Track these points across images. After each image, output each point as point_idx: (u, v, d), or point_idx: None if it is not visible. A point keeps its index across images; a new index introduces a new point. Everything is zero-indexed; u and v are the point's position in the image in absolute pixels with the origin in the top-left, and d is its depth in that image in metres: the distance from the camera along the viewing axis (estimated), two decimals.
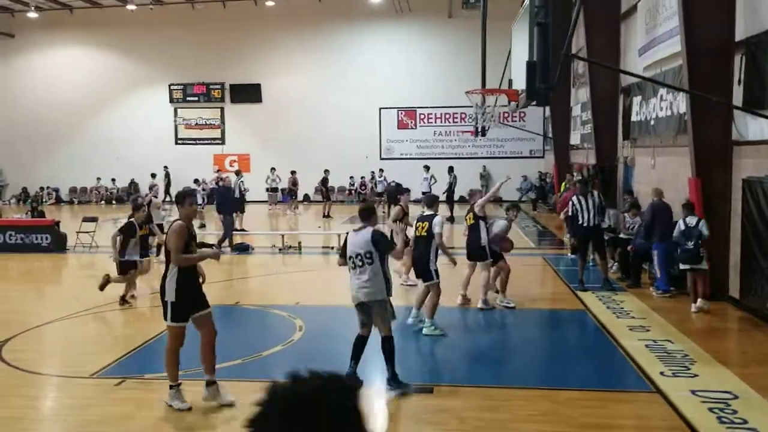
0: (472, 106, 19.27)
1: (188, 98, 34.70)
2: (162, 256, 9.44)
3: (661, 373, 7.64)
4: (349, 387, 1.58)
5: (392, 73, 32.88)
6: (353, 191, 33.60)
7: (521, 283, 12.24)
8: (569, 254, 15.99)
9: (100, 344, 9.25)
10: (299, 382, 1.55)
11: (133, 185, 34.39)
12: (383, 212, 24.90)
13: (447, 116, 33.09)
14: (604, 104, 18.34)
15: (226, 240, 17.15)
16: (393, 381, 7.14)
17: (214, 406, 6.74)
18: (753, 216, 10.10)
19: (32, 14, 32.98)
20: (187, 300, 6.66)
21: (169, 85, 34.60)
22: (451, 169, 26.74)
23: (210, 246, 9.48)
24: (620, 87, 17.61)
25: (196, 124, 34.98)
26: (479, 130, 23.28)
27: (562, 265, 14.85)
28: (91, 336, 9.88)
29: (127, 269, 11.43)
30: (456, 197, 24.78)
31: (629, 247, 12.67)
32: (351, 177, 33.50)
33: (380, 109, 33.33)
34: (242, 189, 21.91)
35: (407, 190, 13.63)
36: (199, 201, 22.30)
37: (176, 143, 35.09)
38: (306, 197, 32.43)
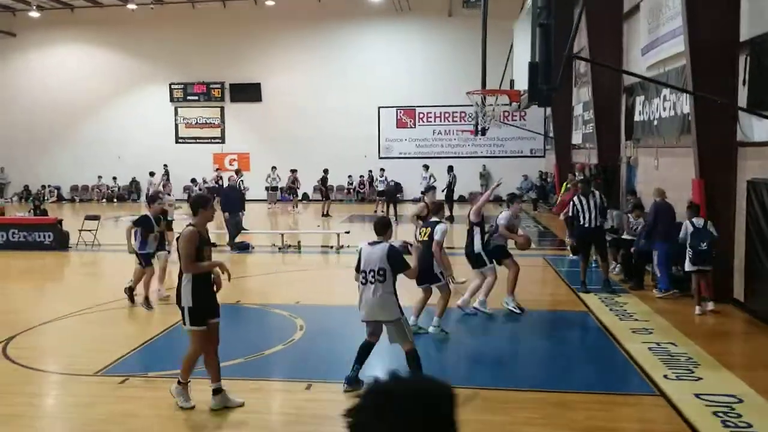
0: (472, 105, 19.26)
1: (188, 97, 34.70)
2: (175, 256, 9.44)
3: (665, 376, 7.62)
4: (448, 394, 1.58)
5: (391, 72, 32.86)
6: (352, 190, 33.59)
7: (522, 284, 12.13)
8: (570, 255, 16.03)
9: (104, 342, 9.24)
10: (400, 382, 1.55)
11: (134, 183, 34.40)
12: (382, 211, 24.92)
13: (446, 115, 33.06)
14: (606, 104, 18.34)
15: (235, 239, 17.26)
16: None
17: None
18: (758, 218, 10.08)
19: (33, 13, 32.97)
20: (204, 303, 6.61)
21: (170, 84, 34.59)
22: (450, 169, 26.75)
23: (214, 245, 9.45)
24: (623, 86, 17.60)
25: (197, 123, 34.97)
26: (479, 129, 23.27)
27: (564, 266, 14.84)
28: (94, 334, 9.87)
29: (147, 262, 11.22)
30: (455, 196, 24.76)
31: (632, 249, 12.64)
32: (350, 176, 33.48)
33: (379, 108, 33.30)
34: (242, 188, 21.91)
35: (432, 188, 13.01)
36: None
37: (177, 142, 35.08)
38: (305, 196, 32.42)
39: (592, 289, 12.06)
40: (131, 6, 31.82)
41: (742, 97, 10.44)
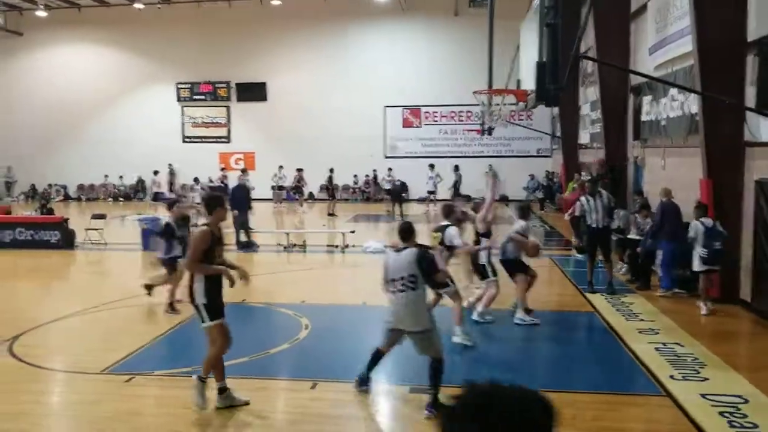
0: (478, 105, 19.22)
1: (195, 97, 34.75)
2: None
3: (671, 377, 7.60)
4: (547, 408, 1.54)
5: (397, 71, 32.82)
6: (357, 190, 33.59)
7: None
8: (575, 255, 16.01)
9: (110, 340, 9.26)
10: (499, 390, 1.54)
11: (141, 183, 34.47)
12: (387, 211, 24.91)
13: (452, 114, 33.00)
14: (613, 103, 18.27)
15: (250, 236, 17.39)
16: (435, 407, 6.45)
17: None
18: (765, 218, 10.05)
19: (41, 12, 33.06)
20: (216, 299, 6.58)
21: (176, 84, 34.65)
22: (456, 168, 26.76)
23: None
24: (630, 86, 17.54)
25: (203, 122, 35.03)
26: (486, 129, 23.23)
27: (570, 267, 14.81)
28: (101, 332, 9.89)
29: (173, 268, 11.08)
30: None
31: (638, 249, 12.60)
32: (355, 175, 33.48)
33: (385, 107, 33.27)
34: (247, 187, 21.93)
35: (467, 197, 12.42)
36: (198, 200, 22.33)
37: (183, 141, 35.13)
38: (311, 195, 32.43)
39: (599, 289, 12.02)
40: (138, 5, 31.93)
41: (750, 97, 10.41)
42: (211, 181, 30.73)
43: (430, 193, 26.57)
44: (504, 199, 25.49)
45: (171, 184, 32.37)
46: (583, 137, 23.92)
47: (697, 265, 10.60)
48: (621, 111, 18.01)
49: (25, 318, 10.47)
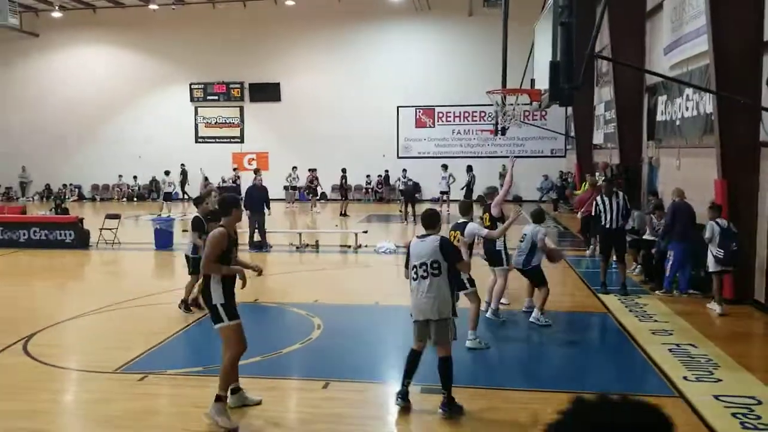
0: (491, 105, 19.17)
1: (208, 97, 34.86)
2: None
3: (684, 378, 7.56)
4: (666, 424, 1.41)
5: (411, 71, 32.79)
6: (370, 190, 33.60)
7: None
8: (586, 253, 16.01)
9: (123, 340, 9.30)
10: (610, 406, 1.38)
11: (155, 183, 34.62)
12: (400, 212, 24.88)
13: (466, 115, 32.94)
14: (628, 103, 18.19)
15: (264, 236, 17.42)
16: (448, 406, 6.49)
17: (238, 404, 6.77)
18: None
19: (56, 14, 33.33)
20: (232, 300, 6.48)
21: (190, 84, 34.79)
22: (469, 168, 26.69)
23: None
24: (645, 86, 17.46)
25: (216, 122, 35.15)
26: (499, 129, 23.17)
27: (583, 267, 14.75)
28: (114, 331, 9.94)
29: (196, 267, 10.28)
30: (474, 196, 24.65)
31: (653, 250, 12.54)
32: (368, 176, 33.49)
33: (398, 107, 33.25)
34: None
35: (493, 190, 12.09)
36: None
37: (196, 141, 35.27)
38: (323, 195, 32.47)
39: (612, 290, 11.97)
40: (153, 6, 32.08)
41: (766, 97, 10.32)
42: (224, 180, 30.84)
43: (443, 193, 26.53)
44: (518, 200, 25.44)
45: (183, 184, 32.50)
46: (598, 137, 23.81)
47: (712, 266, 10.55)
48: (635, 111, 17.92)
49: (40, 317, 10.54)
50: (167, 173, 27.80)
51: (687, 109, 13.78)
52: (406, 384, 6.69)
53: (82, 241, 18.10)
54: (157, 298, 11.78)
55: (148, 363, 8.22)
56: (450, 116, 33.15)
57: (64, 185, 35.54)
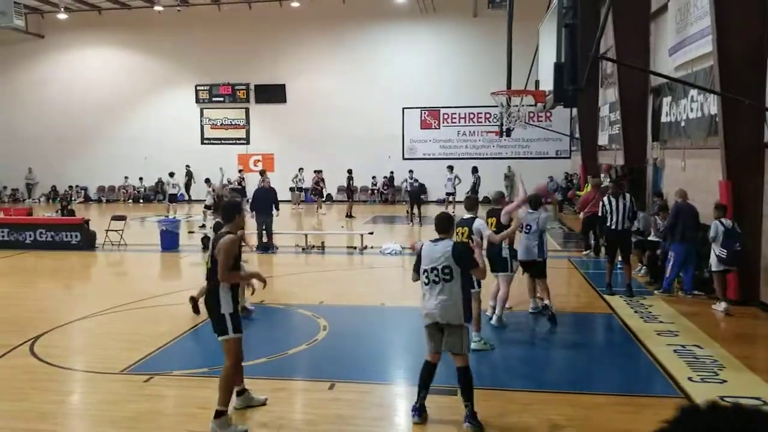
0: (496, 106, 19.18)
1: (214, 99, 34.95)
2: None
3: (690, 379, 7.56)
4: None
5: (416, 72, 32.86)
6: (376, 191, 33.62)
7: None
8: (590, 253, 15.99)
9: (129, 341, 9.33)
10: (724, 416, 1.27)
11: (160, 184, 34.72)
12: (408, 213, 24.89)
13: (471, 116, 32.96)
14: (632, 105, 18.17)
15: (271, 238, 17.45)
16: (472, 419, 6.29)
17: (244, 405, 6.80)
18: None
19: (62, 15, 33.48)
20: (237, 309, 6.42)
21: (196, 86, 34.87)
22: (475, 170, 26.67)
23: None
24: (650, 87, 17.43)
25: (222, 124, 35.23)
26: (504, 130, 23.17)
27: (588, 268, 14.75)
28: (120, 333, 9.96)
29: None
30: (480, 197, 24.62)
31: (658, 251, 12.54)
32: (373, 177, 33.52)
33: (403, 108, 33.30)
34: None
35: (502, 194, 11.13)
36: (210, 203, 22.39)
37: (202, 143, 35.36)
38: (329, 197, 32.50)
39: (617, 291, 11.97)
40: (158, 8, 32.19)
41: None
42: (229, 182, 30.87)
43: (449, 194, 26.53)
44: (538, 203, 25.39)
45: (188, 186, 32.57)
46: (602, 138, 23.79)
47: (715, 265, 10.58)
48: (640, 112, 17.90)
49: (46, 318, 10.60)
50: (171, 175, 27.92)
51: (692, 110, 13.77)
52: (422, 397, 6.51)
53: (88, 242, 18.18)
54: (163, 300, 11.83)
55: (154, 364, 8.26)
56: (455, 117, 33.17)
57: (71, 187, 35.65)
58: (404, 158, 33.23)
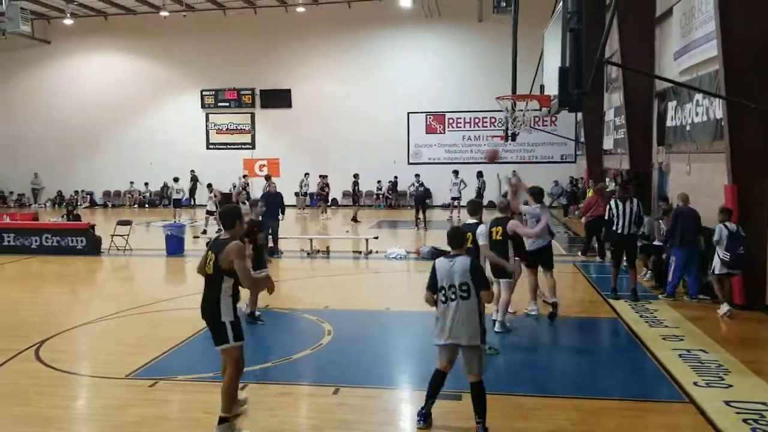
0: (501, 111, 19.17)
1: (219, 104, 35.06)
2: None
3: (695, 383, 7.53)
4: None
5: (421, 77, 32.91)
6: (381, 196, 33.63)
7: None
8: (597, 258, 15.96)
9: (134, 346, 9.35)
10: None
11: (166, 189, 34.79)
12: (418, 218, 24.87)
13: (476, 121, 32.98)
14: (638, 109, 18.14)
15: (276, 242, 17.44)
16: None
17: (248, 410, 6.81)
18: None
19: (68, 21, 33.65)
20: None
21: (201, 91, 34.98)
22: (480, 174, 26.67)
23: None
24: (655, 91, 17.41)
25: (227, 129, 35.32)
26: (509, 134, 23.16)
27: (593, 273, 14.73)
28: (125, 337, 9.98)
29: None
30: (485, 202, 24.61)
31: (663, 255, 12.52)
32: (379, 181, 33.52)
33: (408, 113, 33.34)
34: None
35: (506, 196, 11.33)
36: (212, 208, 22.44)
37: (208, 148, 35.45)
38: (334, 201, 32.53)
39: (623, 295, 11.94)
40: (164, 13, 32.31)
41: None
42: (234, 186, 30.92)
43: (454, 199, 26.52)
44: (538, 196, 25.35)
45: (193, 191, 32.64)
46: (607, 143, 23.77)
47: (719, 268, 10.60)
48: (645, 116, 17.87)
49: (51, 323, 10.63)
50: (176, 180, 28.02)
51: (697, 114, 13.74)
52: (429, 404, 6.49)
53: (93, 247, 18.23)
54: (168, 304, 11.85)
55: (159, 369, 8.27)
56: (460, 122, 33.20)
57: (76, 192, 35.75)
58: (409, 163, 33.25)
